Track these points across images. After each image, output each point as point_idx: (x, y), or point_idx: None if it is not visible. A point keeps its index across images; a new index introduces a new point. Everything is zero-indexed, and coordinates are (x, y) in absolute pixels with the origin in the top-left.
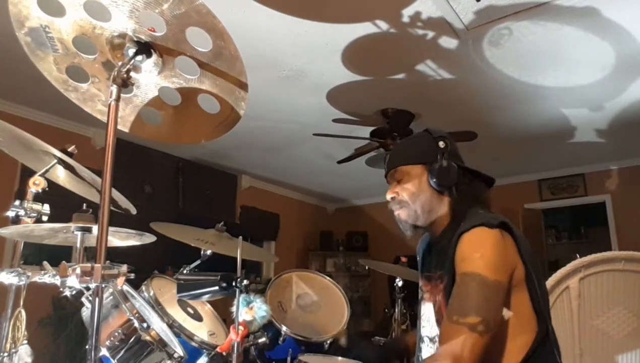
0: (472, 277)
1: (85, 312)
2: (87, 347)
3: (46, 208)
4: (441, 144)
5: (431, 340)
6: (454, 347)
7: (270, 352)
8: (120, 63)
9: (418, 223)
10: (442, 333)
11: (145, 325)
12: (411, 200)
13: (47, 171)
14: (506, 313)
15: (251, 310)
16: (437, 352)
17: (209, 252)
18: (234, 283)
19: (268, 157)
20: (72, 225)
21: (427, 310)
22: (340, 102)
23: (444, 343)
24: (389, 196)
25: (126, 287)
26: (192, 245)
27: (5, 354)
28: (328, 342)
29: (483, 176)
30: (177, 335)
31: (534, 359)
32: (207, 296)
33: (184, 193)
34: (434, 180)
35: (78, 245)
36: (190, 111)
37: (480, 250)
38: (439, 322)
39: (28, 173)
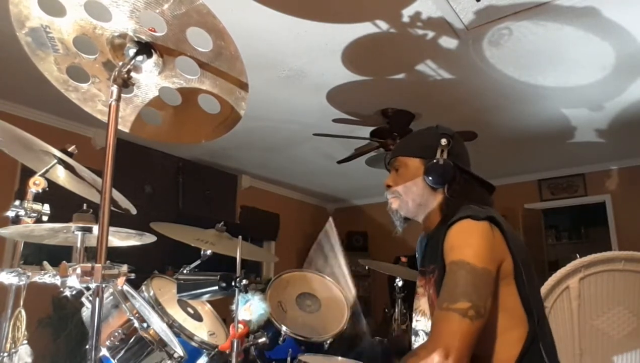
0: (461, 265)
1: (85, 312)
2: (87, 347)
3: (46, 208)
4: (443, 141)
5: (427, 333)
6: (445, 333)
7: (270, 352)
8: (120, 63)
9: (408, 215)
10: (433, 321)
11: (145, 325)
12: (404, 192)
13: (47, 171)
14: (494, 308)
15: (249, 308)
16: (429, 339)
17: (209, 252)
18: (233, 283)
19: (268, 157)
20: (72, 225)
21: (421, 304)
22: (340, 102)
23: (435, 330)
24: (385, 184)
25: (126, 287)
26: (192, 245)
27: (5, 354)
28: (328, 341)
29: (484, 182)
30: (177, 335)
31: (528, 356)
32: (207, 296)
33: (184, 193)
34: (428, 175)
35: (78, 245)
36: (191, 111)
37: (468, 240)
38: (433, 315)
39: (28, 173)
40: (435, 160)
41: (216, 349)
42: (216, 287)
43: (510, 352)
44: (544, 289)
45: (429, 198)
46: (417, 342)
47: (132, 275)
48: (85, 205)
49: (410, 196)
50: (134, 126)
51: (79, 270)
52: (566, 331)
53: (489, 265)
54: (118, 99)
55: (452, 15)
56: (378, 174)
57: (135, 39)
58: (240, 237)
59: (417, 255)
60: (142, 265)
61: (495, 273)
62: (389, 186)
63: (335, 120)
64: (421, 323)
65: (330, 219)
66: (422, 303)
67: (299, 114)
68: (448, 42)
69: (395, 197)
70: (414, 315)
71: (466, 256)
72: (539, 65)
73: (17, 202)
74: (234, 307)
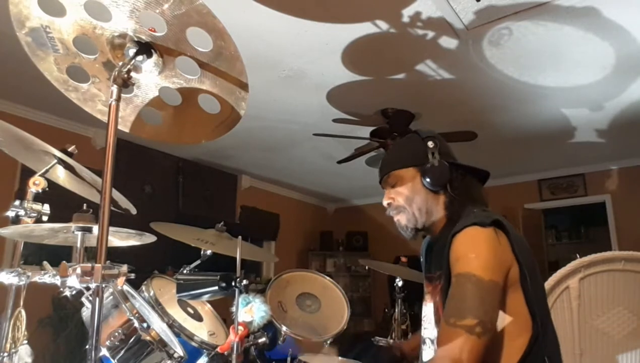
0: (468, 277)
1: (85, 312)
2: (87, 347)
3: (46, 208)
4: (430, 143)
5: (432, 341)
6: (453, 350)
7: (270, 352)
8: (120, 63)
9: (418, 226)
10: (439, 336)
11: (145, 325)
12: (407, 204)
13: (47, 171)
14: (502, 317)
15: (250, 310)
16: (436, 355)
17: (209, 252)
18: (233, 283)
19: (268, 157)
20: (72, 225)
21: (428, 312)
22: (340, 102)
23: (442, 346)
24: (385, 202)
25: (126, 287)
26: (192, 245)
27: (5, 354)
28: (328, 341)
29: (477, 170)
30: (177, 335)
31: (530, 360)
32: (207, 296)
33: (184, 193)
34: (428, 180)
35: (78, 245)
36: (191, 111)
37: (474, 250)
38: (437, 323)
39: (28, 173)
40: (430, 164)
41: (216, 349)
42: (216, 287)
43: (516, 357)
44: None
45: (433, 203)
46: (424, 349)
47: (132, 275)
48: (85, 205)
49: (415, 206)
50: (134, 126)
51: (79, 270)
52: (566, 331)
53: (496, 276)
54: (118, 99)
55: (452, 15)
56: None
57: (135, 39)
58: (240, 237)
59: (421, 259)
60: (142, 265)
61: (502, 284)
62: (389, 204)
63: (335, 120)
64: (427, 330)
65: None
66: (428, 310)
67: (299, 114)
68: (448, 42)
69: (401, 212)
70: (422, 322)
71: (473, 268)
72: (539, 65)
73: (17, 202)
74: (234, 308)
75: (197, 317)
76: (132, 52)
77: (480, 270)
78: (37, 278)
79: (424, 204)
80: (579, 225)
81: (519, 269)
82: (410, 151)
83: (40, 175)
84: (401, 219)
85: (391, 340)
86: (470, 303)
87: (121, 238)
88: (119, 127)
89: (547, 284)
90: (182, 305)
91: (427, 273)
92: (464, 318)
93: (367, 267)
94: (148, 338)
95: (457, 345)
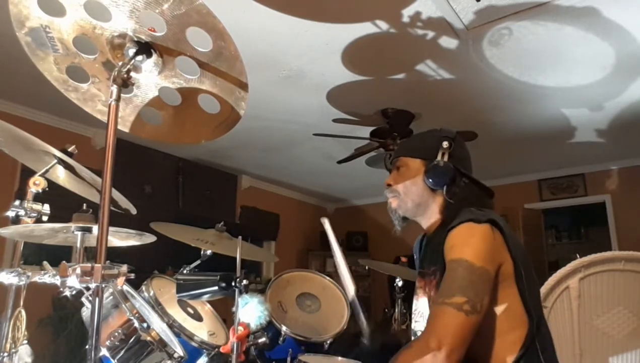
0: (459, 262)
1: (85, 312)
2: (87, 347)
3: (46, 208)
4: (444, 143)
5: None
6: (439, 326)
7: (270, 352)
8: (120, 63)
9: (407, 215)
10: (429, 316)
11: (145, 325)
12: (403, 191)
13: (47, 171)
14: (494, 311)
15: (248, 311)
16: (423, 332)
17: (209, 252)
18: (233, 284)
19: (268, 157)
20: (72, 225)
21: (420, 306)
22: (340, 102)
23: (430, 323)
24: (386, 183)
25: (126, 287)
26: (192, 245)
27: (5, 354)
28: (328, 341)
29: (484, 187)
30: (177, 335)
31: (526, 357)
32: (207, 296)
33: (184, 193)
34: (427, 177)
35: (78, 245)
36: (191, 111)
37: (468, 240)
38: None
39: (28, 173)
40: (435, 162)
41: (216, 349)
42: (216, 287)
43: (509, 353)
44: (544, 289)
45: (428, 200)
46: None
47: (132, 275)
48: (85, 205)
49: (410, 196)
50: (133, 126)
51: (78, 270)
52: (566, 331)
53: (488, 265)
54: (118, 99)
55: (452, 15)
56: (378, 174)
57: (135, 39)
58: (240, 237)
59: (414, 256)
60: (142, 265)
61: (493, 274)
62: (389, 185)
63: (335, 120)
64: (420, 324)
65: (325, 220)
66: (420, 304)
67: (299, 114)
68: (448, 42)
69: (395, 197)
70: (413, 316)
71: (465, 254)
72: (539, 65)
73: (17, 202)
74: (234, 308)
75: (197, 317)
76: (131, 52)
77: (472, 257)
78: (37, 278)
79: (418, 197)
80: (579, 225)
81: (514, 266)
82: (424, 144)
83: (40, 175)
84: (393, 202)
85: None
86: (460, 283)
87: (121, 238)
88: (119, 127)
89: (547, 284)
90: (182, 305)
91: (420, 268)
92: (452, 297)
93: (367, 267)
94: (148, 338)
95: (444, 321)
